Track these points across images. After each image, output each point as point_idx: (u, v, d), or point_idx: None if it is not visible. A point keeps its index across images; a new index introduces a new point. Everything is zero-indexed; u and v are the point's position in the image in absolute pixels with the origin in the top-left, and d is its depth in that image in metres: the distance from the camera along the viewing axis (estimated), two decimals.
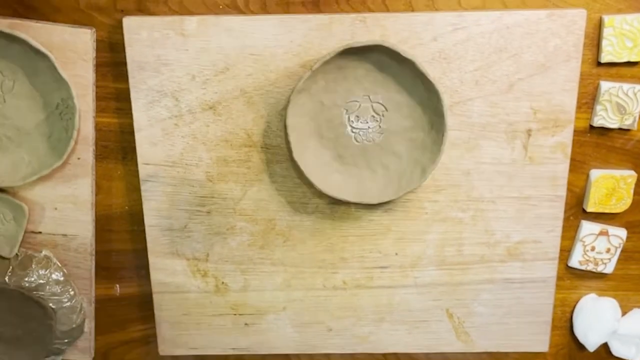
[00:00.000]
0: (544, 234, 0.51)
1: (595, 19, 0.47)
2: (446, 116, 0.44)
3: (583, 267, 0.52)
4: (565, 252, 0.53)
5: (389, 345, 0.54)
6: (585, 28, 0.46)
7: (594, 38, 0.48)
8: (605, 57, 0.47)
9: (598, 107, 0.48)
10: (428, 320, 0.53)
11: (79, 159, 0.50)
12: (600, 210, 0.51)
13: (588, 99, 0.49)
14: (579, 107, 0.49)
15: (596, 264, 0.52)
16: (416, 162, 0.47)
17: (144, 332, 0.55)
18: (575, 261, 0.52)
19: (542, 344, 0.54)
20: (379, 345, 0.54)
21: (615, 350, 0.53)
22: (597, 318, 0.52)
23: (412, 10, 0.47)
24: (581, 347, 0.55)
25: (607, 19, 0.46)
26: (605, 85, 0.48)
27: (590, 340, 0.53)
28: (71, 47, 0.47)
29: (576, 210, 0.52)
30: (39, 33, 0.47)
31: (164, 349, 0.54)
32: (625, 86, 0.48)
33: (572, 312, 0.54)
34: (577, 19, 0.46)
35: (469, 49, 0.47)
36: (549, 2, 0.47)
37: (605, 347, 0.55)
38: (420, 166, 0.46)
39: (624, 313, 0.53)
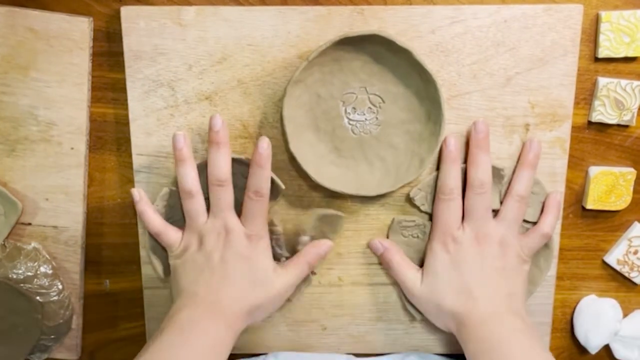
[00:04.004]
0: None
1: (592, 14, 0.49)
2: (443, 107, 0.46)
3: (618, 267, 0.53)
4: (565, 251, 0.53)
5: (386, 345, 0.54)
6: (582, 23, 0.48)
7: (591, 34, 0.49)
8: (602, 52, 0.49)
9: (596, 103, 0.50)
10: (426, 319, 0.53)
11: (72, 149, 0.51)
12: (600, 208, 0.52)
13: (586, 95, 0.50)
14: (576, 102, 0.50)
15: (632, 269, 0.52)
16: (413, 154, 0.48)
17: (133, 330, 0.55)
18: (613, 258, 0.53)
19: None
20: (375, 345, 0.54)
21: (618, 353, 0.54)
22: (597, 319, 0.53)
23: (410, 3, 0.49)
24: (582, 350, 0.55)
25: (604, 14, 0.48)
26: (603, 80, 0.49)
27: (592, 343, 0.53)
28: (68, 35, 0.49)
29: (575, 208, 0.53)
30: (36, 21, 0.48)
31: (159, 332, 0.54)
32: (623, 82, 0.49)
33: (572, 313, 0.55)
34: (573, 14, 0.48)
35: (466, 42, 0.48)
36: None
37: (606, 350, 0.55)
38: (418, 158, 0.47)
39: (625, 315, 0.54)
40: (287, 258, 0.51)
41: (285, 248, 0.51)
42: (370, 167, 0.49)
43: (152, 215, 0.48)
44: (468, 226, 0.48)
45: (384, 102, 0.48)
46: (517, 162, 0.49)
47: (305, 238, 0.50)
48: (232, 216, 0.47)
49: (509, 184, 0.49)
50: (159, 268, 0.51)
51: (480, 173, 0.47)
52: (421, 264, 0.51)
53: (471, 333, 0.45)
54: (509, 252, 0.47)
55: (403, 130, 0.48)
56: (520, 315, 0.47)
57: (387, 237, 0.51)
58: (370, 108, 0.48)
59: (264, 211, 0.47)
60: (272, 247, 0.50)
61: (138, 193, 0.48)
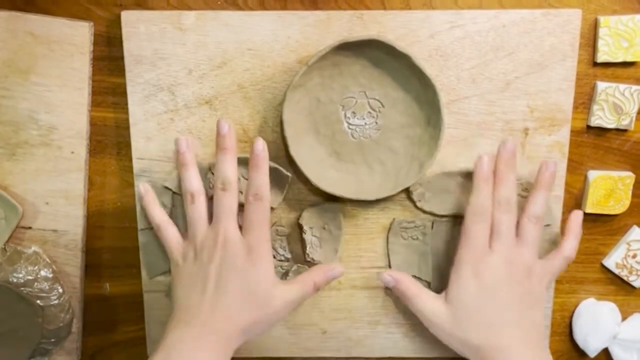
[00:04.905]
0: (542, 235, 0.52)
1: (590, 19, 0.50)
2: (443, 111, 0.46)
3: (617, 271, 0.54)
4: None
5: (385, 349, 0.54)
6: (580, 28, 0.49)
7: (590, 38, 0.50)
8: (601, 57, 0.50)
9: (595, 107, 0.51)
10: None
11: (72, 153, 0.52)
12: (599, 212, 0.52)
13: (585, 99, 0.51)
14: (575, 107, 0.51)
15: (630, 272, 0.53)
16: (413, 158, 0.49)
17: (133, 333, 0.56)
18: (611, 262, 0.54)
19: None
20: (374, 349, 0.55)
21: (616, 356, 0.54)
22: (596, 322, 0.53)
23: (409, 8, 0.49)
24: (581, 353, 0.56)
25: (602, 19, 0.49)
26: (601, 85, 0.50)
27: (591, 346, 0.54)
28: (69, 40, 0.50)
29: None
30: (37, 26, 0.49)
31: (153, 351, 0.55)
32: (622, 86, 0.50)
33: (571, 317, 0.55)
34: (572, 19, 0.49)
35: (465, 46, 0.49)
36: (545, 2, 0.50)
37: (605, 354, 0.56)
38: (418, 162, 0.48)
39: (623, 318, 0.55)
40: (288, 260, 0.52)
41: (287, 250, 0.52)
42: (370, 171, 0.50)
43: (156, 208, 0.49)
44: (497, 248, 0.46)
45: (383, 106, 0.49)
46: (534, 182, 0.48)
47: (313, 238, 0.51)
48: (232, 224, 0.46)
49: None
50: (146, 269, 0.53)
51: (508, 191, 0.46)
52: (421, 267, 0.52)
53: None
54: (533, 277, 0.46)
55: (403, 134, 0.49)
56: (540, 347, 0.46)
57: (387, 239, 0.52)
58: (369, 112, 0.49)
59: (264, 218, 0.46)
60: (275, 249, 0.51)
61: (144, 187, 0.50)
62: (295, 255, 0.53)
